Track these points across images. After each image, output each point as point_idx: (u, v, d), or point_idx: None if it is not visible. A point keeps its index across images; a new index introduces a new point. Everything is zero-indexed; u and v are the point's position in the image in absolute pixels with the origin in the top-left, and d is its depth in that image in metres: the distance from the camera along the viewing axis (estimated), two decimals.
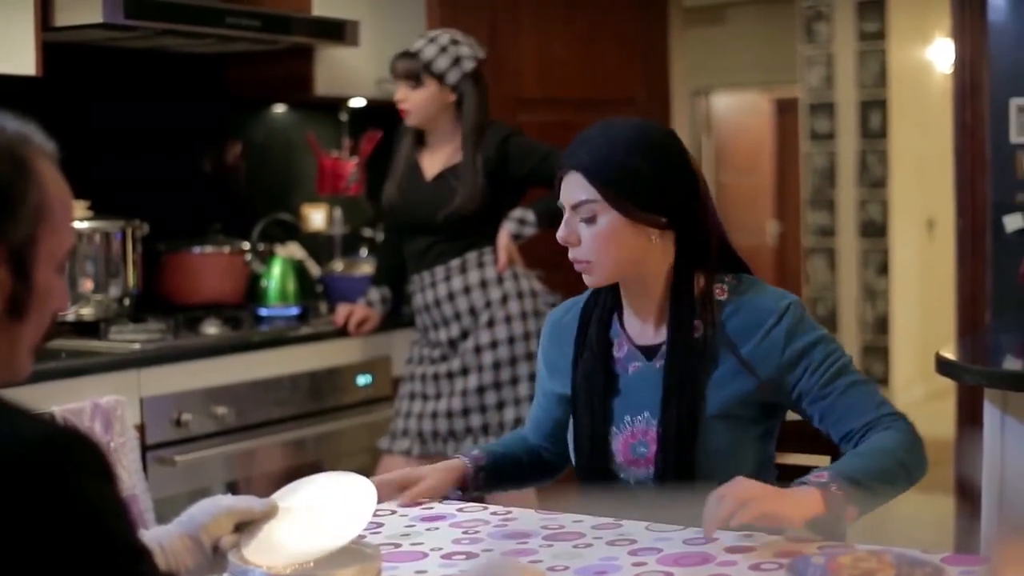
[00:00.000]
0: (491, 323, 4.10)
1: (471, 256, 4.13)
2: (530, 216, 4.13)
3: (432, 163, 4.19)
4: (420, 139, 4.23)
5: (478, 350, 4.09)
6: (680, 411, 2.31)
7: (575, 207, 2.36)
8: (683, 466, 2.30)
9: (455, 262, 4.13)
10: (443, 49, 4.10)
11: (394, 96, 4.18)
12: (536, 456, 2.63)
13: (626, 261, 2.33)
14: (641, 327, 2.42)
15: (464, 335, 4.13)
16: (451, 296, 4.12)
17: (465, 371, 4.10)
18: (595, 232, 2.33)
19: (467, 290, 4.11)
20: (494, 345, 4.09)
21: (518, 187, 4.17)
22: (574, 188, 2.36)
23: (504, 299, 4.13)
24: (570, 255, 2.37)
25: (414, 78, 4.11)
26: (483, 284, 4.12)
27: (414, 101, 4.12)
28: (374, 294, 4.40)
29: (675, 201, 2.33)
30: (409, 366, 4.25)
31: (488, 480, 2.53)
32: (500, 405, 4.08)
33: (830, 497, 2.08)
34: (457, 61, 4.10)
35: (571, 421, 2.46)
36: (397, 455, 4.15)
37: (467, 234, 4.13)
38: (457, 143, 4.15)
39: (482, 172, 4.08)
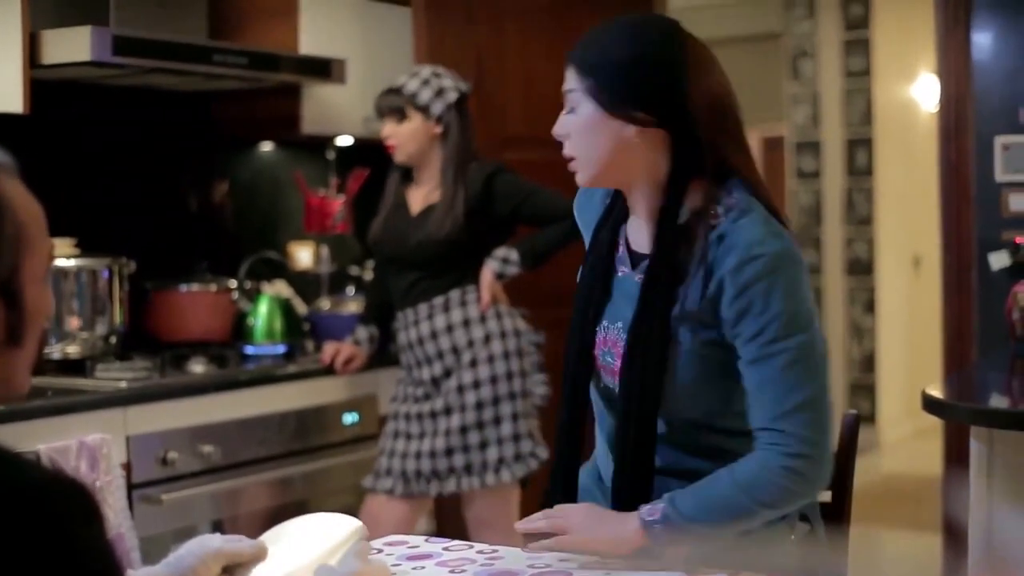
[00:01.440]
0: (474, 363, 4.09)
1: (454, 294, 4.12)
2: (514, 255, 4.13)
3: (418, 198, 4.18)
4: (408, 176, 4.23)
5: (461, 390, 4.08)
6: (650, 338, 2.19)
7: (565, 99, 2.24)
8: (647, 393, 2.19)
9: (438, 300, 4.12)
10: (425, 82, 4.11)
11: (381, 133, 4.18)
12: None
13: (607, 159, 2.21)
14: (639, 232, 2.31)
15: (447, 374, 4.11)
16: (434, 334, 4.11)
17: (448, 411, 4.08)
18: (573, 122, 2.23)
19: (450, 328, 4.10)
20: (477, 385, 4.07)
21: (504, 224, 4.17)
22: (566, 80, 2.25)
23: (487, 338, 4.11)
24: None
25: (399, 113, 4.10)
26: (466, 323, 4.10)
27: (401, 136, 4.12)
28: (361, 332, 4.39)
29: (657, 97, 2.19)
30: (394, 404, 4.23)
31: None
32: (483, 445, 4.07)
33: (652, 535, 2.09)
34: (440, 92, 4.10)
35: None
36: (380, 494, 4.13)
37: (451, 271, 4.13)
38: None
39: (462, 203, 4.07)
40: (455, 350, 4.10)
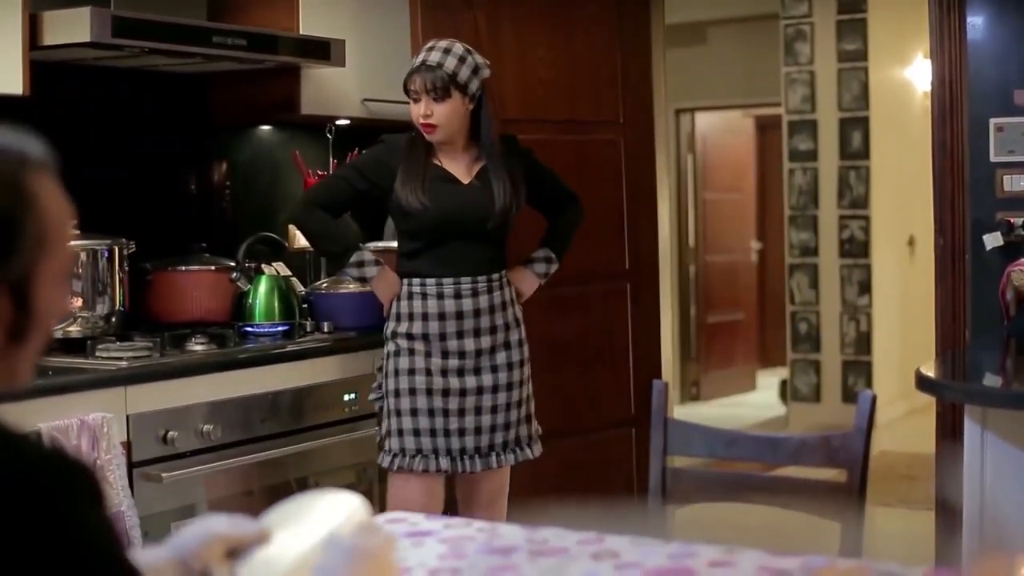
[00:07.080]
0: (520, 342, 4.18)
1: (499, 275, 4.16)
2: (552, 256, 4.32)
3: (458, 169, 4.12)
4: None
5: (511, 367, 4.13)
6: None
7: None
8: None
9: (498, 273, 4.15)
10: (462, 59, 4.06)
11: (419, 112, 4.06)
12: None
13: None
14: None
15: (492, 349, 4.11)
16: (491, 308, 4.09)
17: (496, 388, 4.10)
18: None
19: (504, 305, 4.14)
20: (522, 364, 4.18)
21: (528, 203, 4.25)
22: None
23: (518, 321, 4.20)
24: None
25: (441, 91, 4.03)
26: (513, 301, 4.19)
27: (442, 115, 4.04)
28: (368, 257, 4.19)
29: None
30: (409, 378, 4.09)
31: None
32: (520, 421, 4.18)
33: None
34: (476, 70, 4.08)
35: None
36: (419, 474, 4.05)
37: (502, 244, 4.17)
38: (472, 150, 4.14)
39: (520, 176, 4.16)
40: (507, 326, 4.13)
